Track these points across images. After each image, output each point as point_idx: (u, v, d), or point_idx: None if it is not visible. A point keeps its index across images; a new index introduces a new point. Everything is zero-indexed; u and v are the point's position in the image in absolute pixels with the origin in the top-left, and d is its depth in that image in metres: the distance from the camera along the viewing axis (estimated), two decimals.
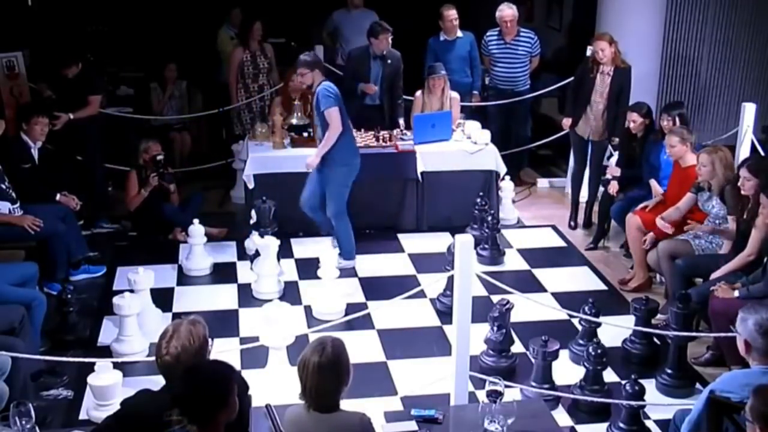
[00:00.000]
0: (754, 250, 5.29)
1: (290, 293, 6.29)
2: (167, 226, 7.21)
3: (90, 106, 7.35)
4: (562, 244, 7.41)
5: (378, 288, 6.42)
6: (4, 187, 6.04)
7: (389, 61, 7.74)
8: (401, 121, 7.95)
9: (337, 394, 3.22)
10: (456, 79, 8.06)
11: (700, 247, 5.86)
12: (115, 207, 7.69)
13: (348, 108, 7.84)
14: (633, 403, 4.52)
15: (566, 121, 7.58)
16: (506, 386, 3.61)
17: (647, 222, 6.22)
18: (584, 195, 7.83)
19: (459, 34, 8.35)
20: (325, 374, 3.16)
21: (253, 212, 6.77)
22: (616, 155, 7.34)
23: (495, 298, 5.99)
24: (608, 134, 7.27)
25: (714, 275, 5.46)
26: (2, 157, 6.31)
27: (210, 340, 3.39)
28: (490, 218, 6.94)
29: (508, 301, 5.26)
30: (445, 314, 5.78)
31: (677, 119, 6.56)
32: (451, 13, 8.24)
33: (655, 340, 5.48)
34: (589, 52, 7.59)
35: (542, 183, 8.90)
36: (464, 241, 4.31)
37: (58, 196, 6.55)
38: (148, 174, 7.14)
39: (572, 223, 7.70)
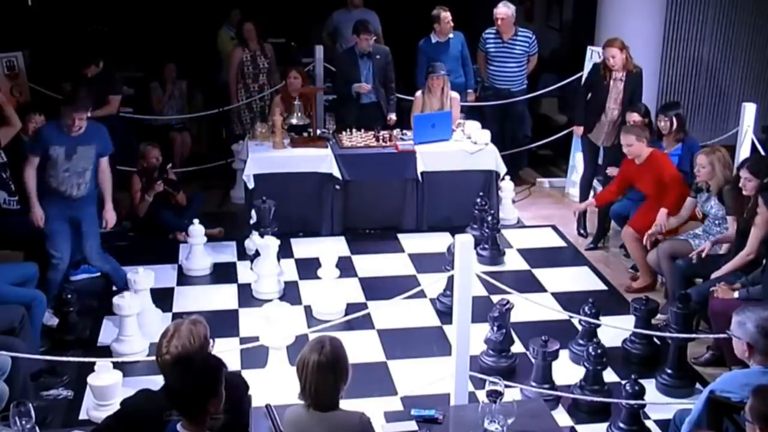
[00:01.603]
0: (753, 249, 5.29)
1: (290, 293, 6.29)
2: (166, 231, 7.21)
3: (109, 106, 7.39)
4: (562, 244, 7.41)
5: (378, 288, 6.41)
6: (4, 176, 6.04)
7: (378, 57, 7.79)
8: (392, 116, 7.99)
9: (337, 393, 3.22)
10: (451, 80, 8.05)
11: (699, 247, 5.86)
12: (115, 207, 7.67)
13: (347, 110, 7.88)
14: (633, 402, 4.52)
15: (578, 130, 7.55)
16: (506, 386, 3.61)
17: (643, 232, 6.21)
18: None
19: (450, 34, 8.35)
20: (325, 373, 3.16)
21: (253, 212, 6.77)
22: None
23: (495, 298, 5.99)
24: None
25: (714, 275, 5.47)
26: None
27: (211, 340, 3.40)
28: (490, 218, 6.94)
29: (508, 301, 5.26)
30: (445, 314, 5.78)
31: (674, 119, 6.55)
32: (449, 15, 8.25)
33: (655, 340, 5.48)
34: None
35: (542, 183, 8.90)
36: (464, 241, 4.31)
37: None
38: (153, 178, 7.13)
39: (582, 231, 7.56)
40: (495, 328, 5.23)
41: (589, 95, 7.45)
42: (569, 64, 8.92)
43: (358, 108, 7.87)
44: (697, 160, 5.89)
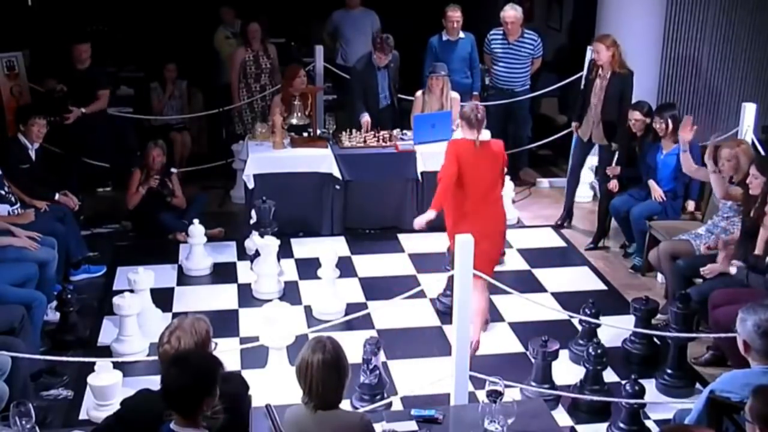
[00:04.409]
0: (761, 251, 5.25)
1: (290, 293, 6.29)
2: (165, 231, 7.22)
3: (100, 101, 7.42)
4: (562, 244, 7.41)
5: (378, 288, 6.41)
6: (3, 192, 6.03)
7: (392, 65, 7.82)
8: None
9: (342, 390, 3.23)
10: (456, 80, 8.07)
11: (700, 247, 5.85)
12: (115, 207, 7.69)
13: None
14: (633, 402, 4.52)
15: (575, 125, 7.59)
16: (506, 386, 3.61)
17: None
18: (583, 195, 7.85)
19: (461, 35, 8.36)
20: (330, 370, 3.17)
21: (253, 212, 6.78)
22: (616, 154, 7.34)
23: (495, 298, 6.00)
24: (608, 138, 7.26)
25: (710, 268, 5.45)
26: (1, 159, 6.32)
27: (214, 343, 3.40)
28: None
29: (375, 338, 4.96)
30: (445, 314, 5.78)
31: (669, 120, 6.53)
32: (456, 15, 8.24)
33: (655, 340, 5.48)
34: (589, 55, 7.59)
35: (542, 183, 8.90)
36: (464, 241, 4.31)
37: (57, 196, 6.55)
38: (150, 175, 7.16)
39: (560, 222, 7.70)
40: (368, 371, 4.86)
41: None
42: (569, 64, 8.91)
43: (376, 113, 7.84)
44: (721, 154, 5.82)
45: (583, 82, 7.54)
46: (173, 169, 7.41)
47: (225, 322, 5.82)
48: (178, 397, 2.96)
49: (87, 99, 7.39)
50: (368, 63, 7.80)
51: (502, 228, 5.64)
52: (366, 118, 7.66)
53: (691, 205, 6.81)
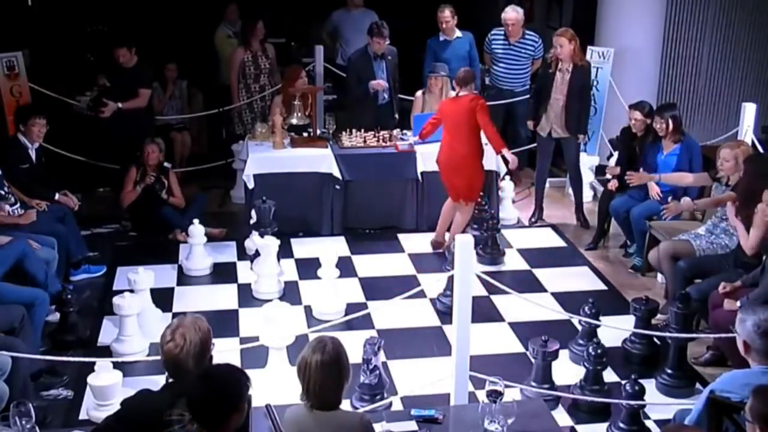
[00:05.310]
0: (753, 245, 5.26)
1: (290, 293, 6.29)
2: (166, 228, 7.22)
3: (139, 98, 7.51)
4: (562, 244, 7.41)
5: (378, 288, 6.41)
6: (3, 192, 6.03)
7: (389, 58, 7.81)
8: (395, 116, 8.02)
9: (341, 391, 3.22)
10: None
11: (700, 248, 5.85)
12: (115, 207, 7.69)
13: (363, 111, 7.86)
14: (633, 402, 4.52)
15: (530, 123, 7.66)
16: (506, 386, 3.61)
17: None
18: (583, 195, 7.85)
19: (458, 34, 8.38)
20: (329, 371, 3.16)
21: (253, 212, 6.78)
22: (616, 154, 7.35)
23: (495, 298, 6.01)
24: (573, 131, 7.34)
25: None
26: (1, 159, 6.32)
27: (212, 343, 3.40)
28: (490, 218, 6.94)
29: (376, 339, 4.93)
30: (445, 314, 5.78)
31: (670, 121, 6.52)
32: (444, 15, 8.28)
33: (655, 340, 5.48)
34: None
35: None
36: (464, 241, 4.31)
37: (57, 196, 6.55)
38: (147, 172, 7.17)
39: (533, 219, 7.79)
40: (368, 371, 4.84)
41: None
42: None
43: (374, 109, 7.86)
44: (721, 154, 5.86)
45: (539, 79, 7.57)
46: (167, 164, 7.41)
47: (225, 322, 5.83)
48: (201, 411, 2.94)
49: (128, 95, 7.47)
50: (364, 53, 7.83)
51: (471, 163, 6.75)
52: (375, 82, 7.72)
53: None
